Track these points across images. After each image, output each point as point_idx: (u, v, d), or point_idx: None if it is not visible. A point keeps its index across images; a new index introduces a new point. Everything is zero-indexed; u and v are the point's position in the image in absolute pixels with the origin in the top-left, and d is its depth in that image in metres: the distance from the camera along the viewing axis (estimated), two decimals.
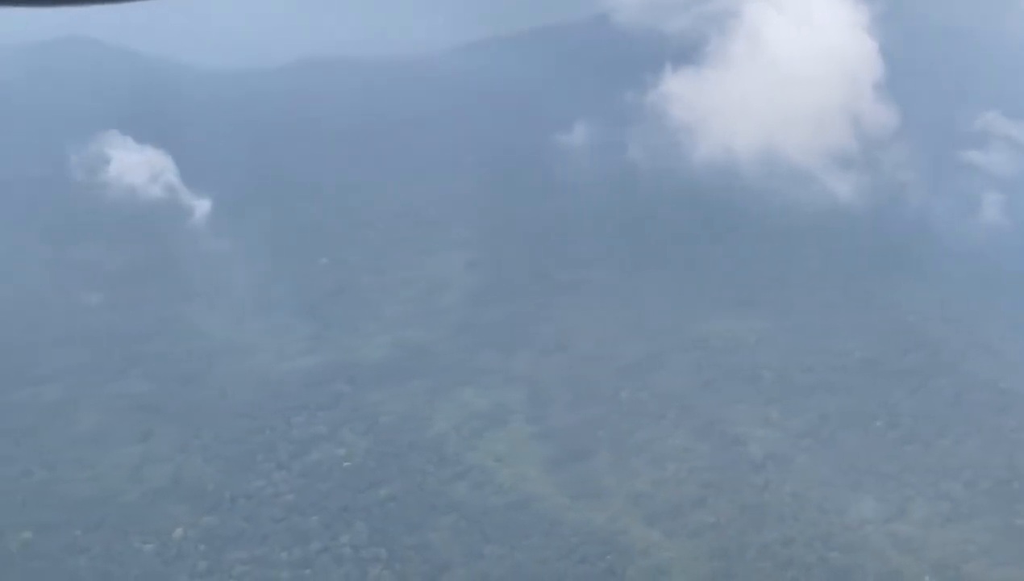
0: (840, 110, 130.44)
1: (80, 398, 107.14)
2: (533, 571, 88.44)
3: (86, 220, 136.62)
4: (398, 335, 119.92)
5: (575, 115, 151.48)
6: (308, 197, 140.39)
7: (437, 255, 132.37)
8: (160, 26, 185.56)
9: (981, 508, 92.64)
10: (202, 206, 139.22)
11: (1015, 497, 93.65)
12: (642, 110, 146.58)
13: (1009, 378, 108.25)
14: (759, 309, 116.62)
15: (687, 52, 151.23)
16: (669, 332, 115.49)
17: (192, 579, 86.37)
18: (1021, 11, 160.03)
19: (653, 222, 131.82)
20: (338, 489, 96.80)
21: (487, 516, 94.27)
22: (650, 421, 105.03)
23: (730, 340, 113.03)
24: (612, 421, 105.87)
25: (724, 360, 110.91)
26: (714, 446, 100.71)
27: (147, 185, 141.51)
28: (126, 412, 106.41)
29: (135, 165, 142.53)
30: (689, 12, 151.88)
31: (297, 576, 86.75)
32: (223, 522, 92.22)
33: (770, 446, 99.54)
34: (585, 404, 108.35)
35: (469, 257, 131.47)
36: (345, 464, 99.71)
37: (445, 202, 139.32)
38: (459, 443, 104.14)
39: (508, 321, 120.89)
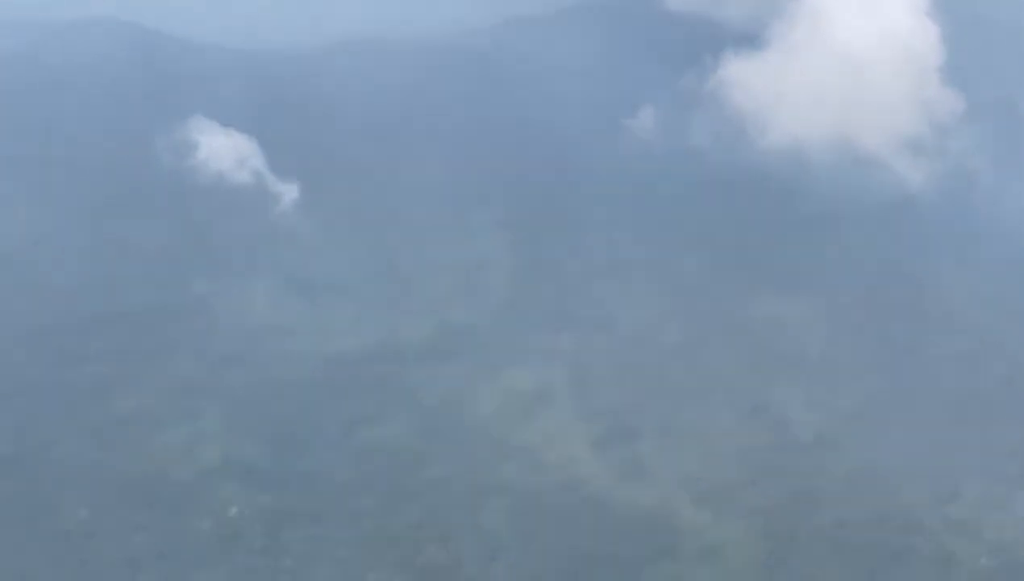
0: (906, 96, 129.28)
1: (125, 378, 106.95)
2: (587, 551, 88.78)
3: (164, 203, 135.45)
4: (441, 316, 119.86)
5: (635, 99, 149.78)
6: (347, 177, 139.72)
7: (478, 235, 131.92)
8: (173, 6, 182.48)
9: None
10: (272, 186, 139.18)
11: None
12: (702, 95, 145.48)
13: None
14: (804, 293, 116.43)
15: (747, 36, 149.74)
16: (714, 314, 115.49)
17: (249, 557, 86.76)
18: None
19: (701, 205, 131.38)
20: (388, 470, 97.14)
21: (538, 497, 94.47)
22: (696, 402, 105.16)
23: (775, 323, 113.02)
24: (658, 402, 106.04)
25: (769, 342, 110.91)
26: (762, 428, 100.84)
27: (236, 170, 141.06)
28: (172, 392, 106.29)
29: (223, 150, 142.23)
30: None
31: (353, 555, 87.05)
32: (277, 501, 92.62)
33: (819, 428, 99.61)
34: (630, 385, 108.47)
35: (511, 237, 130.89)
36: (394, 445, 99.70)
37: (486, 183, 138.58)
38: (505, 424, 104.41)
39: (551, 301, 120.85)
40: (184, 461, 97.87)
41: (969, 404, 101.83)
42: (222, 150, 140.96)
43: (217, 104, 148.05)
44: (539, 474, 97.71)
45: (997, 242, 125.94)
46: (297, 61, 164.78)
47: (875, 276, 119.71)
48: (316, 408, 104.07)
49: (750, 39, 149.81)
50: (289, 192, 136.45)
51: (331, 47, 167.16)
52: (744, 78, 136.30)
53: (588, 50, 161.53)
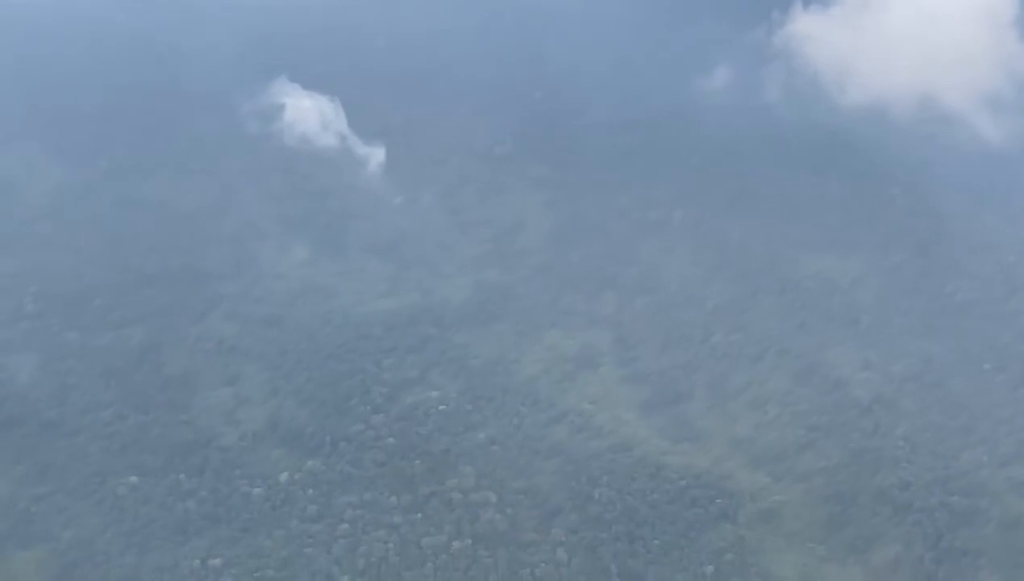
0: (985, 50, 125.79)
1: (164, 341, 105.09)
2: (644, 515, 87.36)
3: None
4: (478, 276, 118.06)
5: (706, 55, 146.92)
6: (379, 135, 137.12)
7: (511, 194, 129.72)
8: None
9: None
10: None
11: None
12: (774, 51, 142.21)
13: None
14: (852, 250, 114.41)
15: None
16: (759, 273, 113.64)
17: (303, 523, 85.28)
18: None
19: (749, 163, 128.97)
20: (437, 433, 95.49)
21: (591, 460, 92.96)
22: (746, 364, 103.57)
23: (824, 281, 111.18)
24: (706, 364, 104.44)
25: (818, 302, 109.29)
26: (816, 390, 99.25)
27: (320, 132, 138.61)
28: (212, 354, 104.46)
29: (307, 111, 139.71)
30: None
31: (409, 521, 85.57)
32: (327, 466, 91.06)
33: (875, 390, 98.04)
34: (676, 347, 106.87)
35: (545, 197, 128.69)
36: (441, 407, 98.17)
37: (517, 140, 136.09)
38: (551, 386, 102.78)
39: (590, 262, 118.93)
40: (229, 425, 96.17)
41: None
42: (308, 112, 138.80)
43: (300, 67, 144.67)
44: (590, 437, 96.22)
45: None
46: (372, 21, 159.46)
47: (930, 234, 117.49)
48: (359, 371, 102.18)
49: None
50: (375, 155, 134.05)
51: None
52: (818, 33, 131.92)
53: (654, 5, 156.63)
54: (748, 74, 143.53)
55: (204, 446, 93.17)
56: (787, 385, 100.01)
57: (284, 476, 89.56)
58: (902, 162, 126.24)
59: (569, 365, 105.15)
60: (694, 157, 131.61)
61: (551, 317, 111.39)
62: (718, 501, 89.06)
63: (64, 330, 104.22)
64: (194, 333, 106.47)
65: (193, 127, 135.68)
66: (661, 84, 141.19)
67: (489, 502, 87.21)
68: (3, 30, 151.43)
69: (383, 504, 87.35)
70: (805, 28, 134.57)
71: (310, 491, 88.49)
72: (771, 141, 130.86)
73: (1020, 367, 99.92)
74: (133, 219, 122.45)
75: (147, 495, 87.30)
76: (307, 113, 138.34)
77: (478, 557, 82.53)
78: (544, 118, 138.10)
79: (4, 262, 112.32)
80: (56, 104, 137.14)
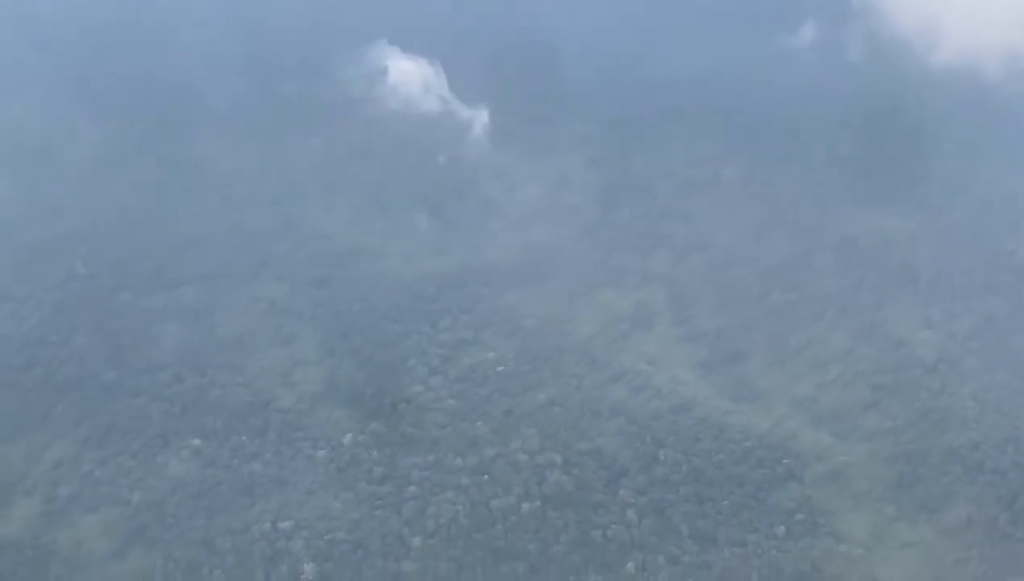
0: None
1: (216, 302, 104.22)
2: (711, 476, 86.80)
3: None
4: (525, 236, 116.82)
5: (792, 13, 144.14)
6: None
7: (555, 152, 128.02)
8: None
9: None
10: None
11: None
12: (861, 9, 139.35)
13: None
14: (908, 207, 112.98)
15: None
16: (813, 231, 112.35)
17: (371, 485, 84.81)
18: None
19: (794, 120, 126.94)
20: (497, 394, 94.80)
21: (654, 421, 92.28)
22: (805, 323, 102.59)
23: (880, 239, 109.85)
24: (764, 323, 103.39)
25: (876, 260, 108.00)
26: (878, 348, 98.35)
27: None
28: (263, 315, 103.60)
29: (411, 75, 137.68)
30: None
31: (476, 483, 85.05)
32: (389, 428, 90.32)
33: (938, 348, 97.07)
34: (732, 305, 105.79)
35: (589, 154, 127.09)
36: (499, 369, 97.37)
37: (560, 98, 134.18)
38: (607, 346, 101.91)
39: (639, 220, 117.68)
40: (286, 387, 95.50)
41: None
42: (410, 75, 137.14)
43: (399, 29, 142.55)
44: (650, 397, 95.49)
45: None
46: None
47: (988, 191, 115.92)
48: (414, 332, 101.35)
49: None
50: (479, 117, 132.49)
51: None
52: None
53: None
54: (798, 30, 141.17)
55: (263, 408, 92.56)
56: (848, 344, 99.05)
57: (348, 438, 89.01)
58: (958, 119, 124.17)
59: (624, 324, 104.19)
60: (741, 115, 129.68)
61: (602, 276, 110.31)
62: (784, 461, 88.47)
63: (116, 292, 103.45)
64: (246, 294, 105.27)
65: (292, 91, 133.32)
66: (706, 41, 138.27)
67: (555, 464, 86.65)
68: None
69: (449, 466, 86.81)
70: None
71: (374, 453, 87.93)
72: (821, 98, 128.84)
73: None
74: (177, 180, 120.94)
75: (211, 457, 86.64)
76: (412, 77, 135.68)
77: (548, 519, 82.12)
78: (586, 75, 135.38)
79: (51, 224, 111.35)
80: (140, 76, 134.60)
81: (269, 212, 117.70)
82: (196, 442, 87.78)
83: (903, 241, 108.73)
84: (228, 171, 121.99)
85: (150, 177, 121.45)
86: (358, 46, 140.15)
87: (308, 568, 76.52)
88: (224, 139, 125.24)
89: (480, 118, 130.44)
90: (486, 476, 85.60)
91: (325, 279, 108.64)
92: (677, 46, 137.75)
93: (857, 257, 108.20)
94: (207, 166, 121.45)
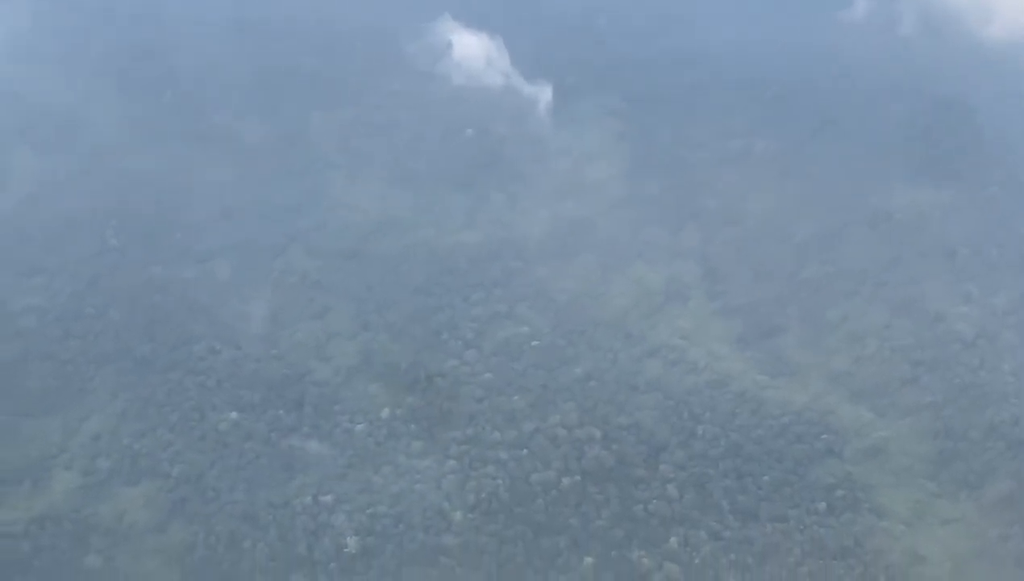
0: None
1: (245, 275, 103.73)
2: (750, 451, 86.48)
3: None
4: (556, 209, 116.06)
5: None
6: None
7: (584, 125, 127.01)
8: None
9: None
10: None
11: None
12: None
13: None
14: (943, 181, 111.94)
15: None
16: (847, 205, 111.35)
17: (410, 459, 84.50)
18: None
19: (825, 93, 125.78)
20: (533, 368, 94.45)
21: (691, 396, 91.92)
22: (842, 297, 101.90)
23: (916, 213, 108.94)
24: (799, 298, 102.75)
25: (911, 234, 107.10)
26: (916, 323, 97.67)
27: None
28: (294, 289, 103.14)
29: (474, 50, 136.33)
30: None
31: (515, 457, 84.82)
32: (427, 402, 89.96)
33: (977, 324, 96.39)
34: (767, 280, 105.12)
35: (619, 127, 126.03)
36: (534, 343, 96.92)
37: (587, 69, 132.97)
38: (641, 320, 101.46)
39: (670, 194, 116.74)
40: (320, 360, 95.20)
41: None
42: (474, 50, 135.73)
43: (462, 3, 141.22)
44: (686, 372, 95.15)
45: None
46: None
47: (1015, 164, 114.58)
48: (447, 305, 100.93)
49: None
50: (543, 94, 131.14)
51: None
52: None
53: None
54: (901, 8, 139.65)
55: (298, 381, 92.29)
56: (885, 319, 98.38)
57: (385, 412, 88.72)
58: (1000, 93, 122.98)
59: (657, 298, 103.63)
60: (770, 88, 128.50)
61: (634, 250, 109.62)
62: (823, 437, 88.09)
63: (148, 264, 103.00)
64: (277, 266, 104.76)
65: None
66: (734, 13, 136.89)
67: (594, 438, 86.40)
68: None
69: (487, 440, 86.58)
70: None
71: (412, 427, 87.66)
72: (855, 70, 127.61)
73: None
74: (204, 152, 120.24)
75: (249, 431, 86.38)
76: (476, 52, 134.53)
77: (588, 493, 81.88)
78: (611, 47, 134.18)
79: (80, 197, 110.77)
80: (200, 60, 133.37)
81: (296, 184, 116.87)
82: (233, 415, 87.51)
83: (940, 215, 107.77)
84: (274, 143, 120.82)
85: (186, 150, 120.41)
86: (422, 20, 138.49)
87: (351, 542, 76.30)
88: (275, 112, 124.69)
89: (543, 94, 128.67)
90: (525, 450, 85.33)
91: (352, 252, 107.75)
92: (710, 15, 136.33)
93: (893, 231, 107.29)
94: (250, 140, 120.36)
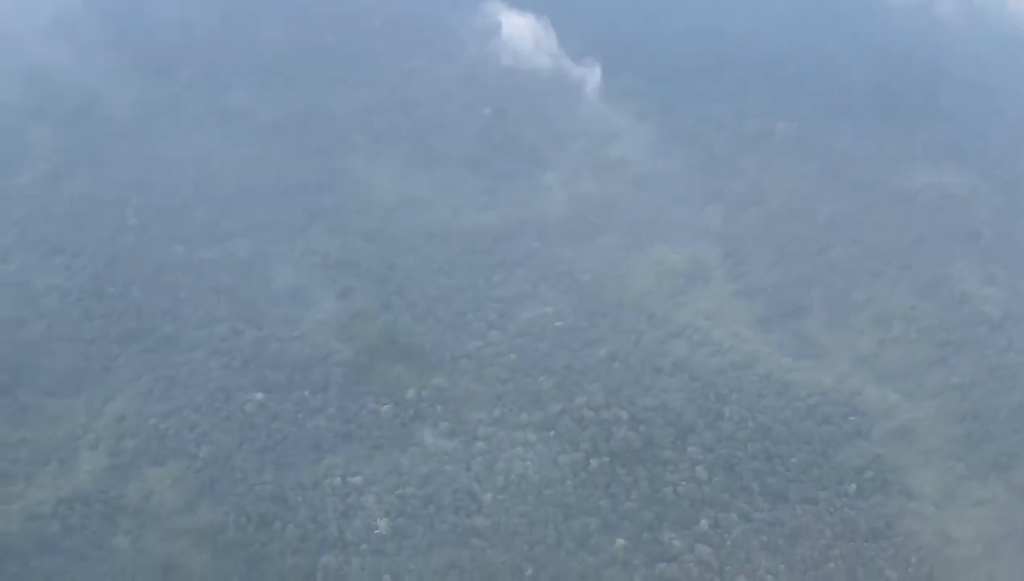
0: None
1: (267, 254, 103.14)
2: (778, 433, 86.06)
3: None
4: (574, 189, 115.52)
5: None
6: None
7: (602, 104, 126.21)
8: None
9: None
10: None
11: None
12: None
13: None
14: (966, 162, 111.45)
15: None
16: (870, 186, 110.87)
17: (437, 440, 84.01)
18: None
19: (844, 72, 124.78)
20: (557, 349, 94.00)
21: (717, 377, 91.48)
22: (866, 279, 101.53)
23: (939, 194, 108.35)
24: (823, 279, 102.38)
25: (935, 215, 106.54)
26: (941, 305, 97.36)
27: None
28: (315, 268, 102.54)
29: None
30: None
31: (543, 438, 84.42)
32: (452, 383, 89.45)
33: (1003, 306, 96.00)
34: (789, 261, 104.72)
35: (637, 107, 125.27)
36: (557, 323, 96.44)
37: (603, 48, 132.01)
38: (664, 301, 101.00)
39: (690, 174, 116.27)
40: (343, 341, 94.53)
41: None
42: (522, 31, 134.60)
43: None
44: (710, 353, 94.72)
45: None
46: None
47: None
48: (470, 286, 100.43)
49: None
50: (592, 75, 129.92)
51: None
52: None
53: None
54: None
55: (322, 362, 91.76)
56: (911, 300, 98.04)
57: (411, 393, 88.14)
58: (1013, 74, 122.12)
59: (680, 279, 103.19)
60: (789, 67, 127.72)
61: (655, 230, 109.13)
62: (851, 418, 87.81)
63: (169, 244, 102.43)
64: (299, 246, 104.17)
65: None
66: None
67: (621, 420, 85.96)
68: None
69: (514, 421, 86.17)
70: None
71: (438, 408, 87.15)
72: (877, 49, 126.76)
73: None
74: (222, 130, 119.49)
75: (276, 412, 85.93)
76: (524, 33, 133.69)
77: (617, 475, 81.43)
78: (629, 26, 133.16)
79: (97, 176, 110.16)
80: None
81: (315, 163, 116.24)
82: (259, 396, 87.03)
83: (964, 196, 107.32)
84: (304, 120, 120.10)
85: (204, 128, 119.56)
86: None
87: (382, 523, 75.95)
88: (304, 89, 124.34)
89: (592, 76, 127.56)
90: (552, 432, 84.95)
91: (374, 231, 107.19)
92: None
93: (916, 212, 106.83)
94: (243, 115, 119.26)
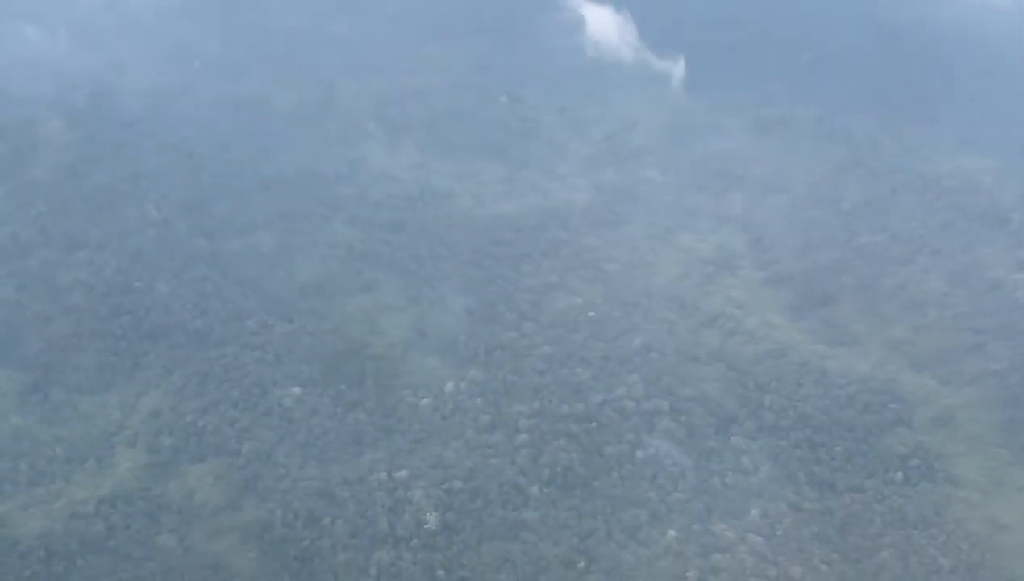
0: None
1: (290, 246, 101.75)
2: (820, 422, 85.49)
3: None
4: (596, 177, 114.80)
5: None
6: (476, 31, 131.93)
7: (621, 91, 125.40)
8: None
9: None
10: None
11: None
12: None
13: None
14: (990, 147, 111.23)
15: None
16: (894, 171, 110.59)
17: (479, 434, 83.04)
18: None
19: (862, 58, 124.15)
20: (591, 339, 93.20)
21: (754, 366, 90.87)
22: (896, 265, 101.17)
23: (965, 179, 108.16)
24: (852, 266, 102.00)
25: (962, 201, 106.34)
26: (974, 291, 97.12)
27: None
28: (340, 260, 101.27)
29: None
30: None
31: (585, 430, 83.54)
32: (489, 375, 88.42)
33: None
34: (816, 248, 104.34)
35: (656, 93, 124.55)
36: (590, 314, 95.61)
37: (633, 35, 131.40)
38: (693, 290, 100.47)
39: (711, 161, 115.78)
40: (375, 334, 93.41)
41: None
42: (606, 25, 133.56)
43: None
44: (744, 342, 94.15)
45: None
46: None
47: None
48: (498, 277, 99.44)
49: None
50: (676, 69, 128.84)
51: None
52: None
53: None
54: None
55: (356, 355, 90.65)
56: (942, 286, 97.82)
57: (449, 386, 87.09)
58: None
59: (708, 268, 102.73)
60: (806, 53, 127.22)
61: (679, 218, 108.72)
62: (891, 406, 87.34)
63: (192, 237, 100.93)
64: (322, 238, 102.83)
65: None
66: None
67: (662, 410, 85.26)
68: None
69: (555, 413, 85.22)
70: None
71: (478, 400, 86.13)
72: (899, 34, 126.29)
73: None
74: (238, 120, 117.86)
75: (314, 406, 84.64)
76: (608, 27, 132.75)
77: (663, 466, 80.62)
78: (646, 13, 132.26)
79: (115, 167, 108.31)
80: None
81: (337, 154, 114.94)
82: (296, 390, 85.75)
83: (989, 181, 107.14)
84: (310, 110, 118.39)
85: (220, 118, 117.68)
86: None
87: (431, 518, 74.91)
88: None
89: (677, 69, 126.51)
90: (594, 423, 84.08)
91: (397, 222, 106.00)
92: None
93: (942, 198, 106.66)
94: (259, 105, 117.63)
